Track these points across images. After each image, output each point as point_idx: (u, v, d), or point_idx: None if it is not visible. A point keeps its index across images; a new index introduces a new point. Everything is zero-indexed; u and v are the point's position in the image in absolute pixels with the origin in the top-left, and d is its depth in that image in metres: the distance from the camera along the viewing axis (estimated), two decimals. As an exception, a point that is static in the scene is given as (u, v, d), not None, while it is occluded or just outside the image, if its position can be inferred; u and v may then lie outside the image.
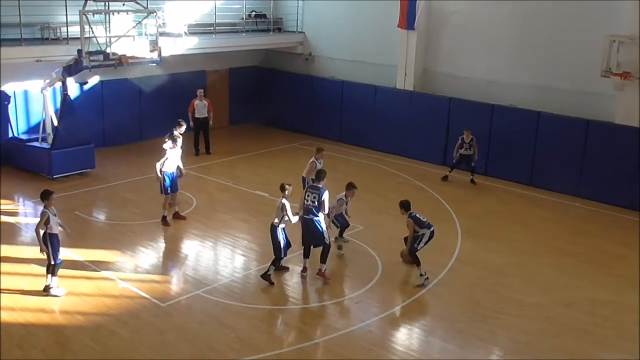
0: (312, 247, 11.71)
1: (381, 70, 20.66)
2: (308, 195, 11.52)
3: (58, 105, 16.93)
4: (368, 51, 21.15)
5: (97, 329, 9.85)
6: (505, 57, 18.55)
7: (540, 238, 14.10)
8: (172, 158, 13.75)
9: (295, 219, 11.39)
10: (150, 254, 12.77)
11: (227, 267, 12.28)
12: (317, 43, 22.71)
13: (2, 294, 10.62)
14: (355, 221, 13.62)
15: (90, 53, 15.62)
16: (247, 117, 23.49)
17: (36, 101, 17.60)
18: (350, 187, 12.63)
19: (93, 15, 15.94)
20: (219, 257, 12.83)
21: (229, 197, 16.05)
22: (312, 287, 11.61)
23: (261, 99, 23.54)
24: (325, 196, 11.40)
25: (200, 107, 19.12)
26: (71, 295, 10.73)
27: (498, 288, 11.65)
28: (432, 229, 11.66)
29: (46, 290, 10.70)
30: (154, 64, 17.46)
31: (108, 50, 16.11)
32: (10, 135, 17.55)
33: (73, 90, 17.74)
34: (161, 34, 17.56)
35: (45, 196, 10.56)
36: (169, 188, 13.78)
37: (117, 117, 19.54)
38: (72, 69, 15.81)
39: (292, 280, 11.71)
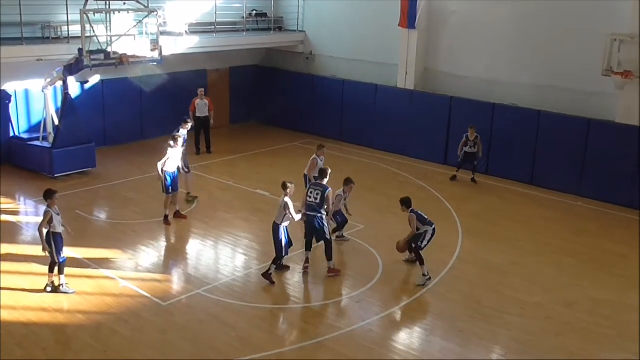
0: (313, 240, 11.78)
1: (382, 69, 20.65)
2: (311, 193, 11.57)
3: (59, 104, 16.92)
4: (369, 50, 21.14)
5: (98, 327, 9.86)
6: (506, 56, 18.54)
7: (541, 237, 14.08)
8: (173, 157, 13.77)
9: (298, 217, 11.42)
10: (151, 253, 12.77)
11: (228, 266, 12.28)
12: (317, 42, 22.70)
13: (3, 293, 10.63)
14: (355, 220, 13.63)
15: (91, 52, 15.62)
16: (247, 116, 23.53)
17: (37, 100, 17.61)
18: (348, 182, 12.66)
19: (94, 14, 15.93)
20: (219, 256, 12.83)
21: (230, 196, 16.05)
22: (313, 286, 11.62)
23: (262, 98, 23.55)
24: (329, 193, 11.46)
25: (201, 106, 19.10)
26: (72, 294, 10.74)
27: (499, 287, 11.65)
28: (433, 226, 11.66)
29: (56, 290, 10.74)
30: (155, 63, 17.46)
31: (109, 50, 16.09)
32: (12, 134, 17.56)
33: (74, 89, 17.73)
34: (162, 33, 17.59)
35: (48, 195, 10.58)
36: (170, 187, 13.80)
37: (118, 116, 19.55)
38: (73, 68, 15.82)
39: (293, 279, 11.71)
